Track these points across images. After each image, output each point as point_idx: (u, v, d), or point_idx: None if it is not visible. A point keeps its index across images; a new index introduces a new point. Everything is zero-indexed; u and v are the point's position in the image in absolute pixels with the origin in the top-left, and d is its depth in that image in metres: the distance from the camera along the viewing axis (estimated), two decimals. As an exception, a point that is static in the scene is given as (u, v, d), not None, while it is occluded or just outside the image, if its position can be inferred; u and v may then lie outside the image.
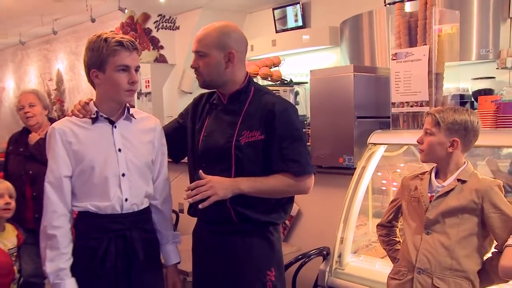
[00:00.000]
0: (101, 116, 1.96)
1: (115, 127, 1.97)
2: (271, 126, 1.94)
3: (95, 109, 1.96)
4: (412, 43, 2.87)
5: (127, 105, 2.02)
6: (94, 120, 1.96)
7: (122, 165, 1.94)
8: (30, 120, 3.14)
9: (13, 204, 2.65)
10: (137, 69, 1.95)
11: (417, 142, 2.02)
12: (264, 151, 1.96)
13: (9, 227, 2.67)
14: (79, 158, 1.91)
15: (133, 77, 1.92)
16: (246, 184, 1.93)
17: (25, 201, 3.06)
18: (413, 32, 2.86)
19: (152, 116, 2.13)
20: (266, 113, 1.95)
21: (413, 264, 1.94)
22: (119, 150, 1.95)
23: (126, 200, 1.94)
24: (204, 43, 1.97)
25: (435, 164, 2.03)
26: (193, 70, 2.04)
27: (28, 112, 3.13)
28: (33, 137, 3.11)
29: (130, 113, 2.02)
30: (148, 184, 2.04)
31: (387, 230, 2.19)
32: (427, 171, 2.06)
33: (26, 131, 3.23)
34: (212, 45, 1.96)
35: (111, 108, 1.97)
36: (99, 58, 1.90)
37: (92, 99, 2.01)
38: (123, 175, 1.94)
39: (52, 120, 3.27)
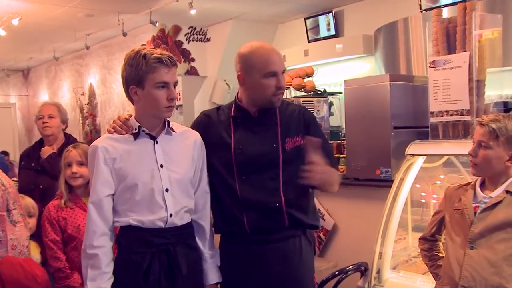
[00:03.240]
0: (143, 131, 1.98)
1: (157, 142, 1.99)
2: (308, 130, 2.10)
3: (137, 124, 1.99)
4: (450, 50, 2.82)
5: (167, 119, 2.04)
6: (136, 136, 1.98)
7: (165, 181, 1.96)
8: (46, 130, 3.19)
9: (32, 222, 2.67)
10: (175, 84, 1.97)
11: (469, 154, 1.93)
12: (306, 155, 2.02)
13: (33, 244, 2.68)
14: (122, 175, 1.94)
15: (172, 94, 1.94)
16: (332, 180, 2.09)
17: None
18: (452, 39, 2.81)
19: (191, 129, 2.15)
20: (302, 121, 2.12)
21: (456, 282, 1.88)
22: (161, 166, 1.97)
23: (171, 215, 1.95)
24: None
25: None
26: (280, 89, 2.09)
27: (46, 122, 3.18)
28: (46, 151, 3.13)
29: (170, 126, 2.04)
30: (191, 199, 2.05)
31: (429, 244, 2.13)
32: (471, 182, 1.99)
33: (38, 146, 3.25)
34: None
35: (151, 123, 2.00)
36: (138, 75, 1.91)
37: (131, 115, 2.04)
38: (167, 190, 1.95)
39: (66, 135, 3.31)
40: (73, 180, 2.59)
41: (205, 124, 2.18)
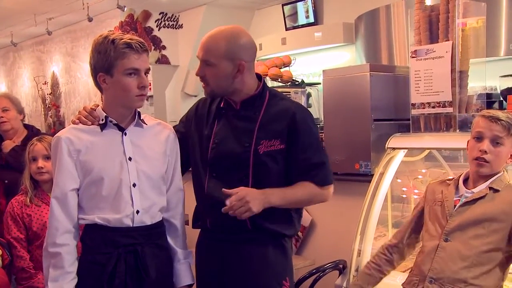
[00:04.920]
0: (111, 122, 1.97)
1: (125, 134, 1.98)
2: (293, 136, 1.98)
3: (104, 114, 1.97)
4: (433, 39, 2.86)
5: (138, 110, 2.02)
6: (103, 127, 1.97)
7: (133, 175, 1.94)
8: (4, 125, 3.17)
9: None
10: (147, 72, 1.95)
11: (481, 150, 1.88)
12: (285, 161, 2.00)
13: None
14: (87, 169, 1.92)
15: (143, 81, 1.93)
16: (276, 197, 1.94)
17: None
18: (435, 27, 2.85)
19: (164, 122, 2.14)
20: (287, 122, 1.99)
21: (425, 274, 1.93)
22: (130, 159, 1.95)
23: (137, 212, 1.93)
24: (212, 53, 1.98)
25: (464, 172, 2.00)
26: (199, 78, 2.05)
27: (2, 117, 3.17)
28: (8, 144, 3.13)
29: (141, 118, 2.03)
30: (162, 196, 2.03)
31: (395, 248, 2.17)
32: (454, 177, 2.04)
33: None
34: (221, 56, 1.97)
35: (120, 114, 1.98)
36: (106, 61, 1.90)
37: (98, 105, 2.02)
38: (134, 185, 1.94)
39: (28, 127, 3.28)
40: (39, 175, 2.56)
41: (198, 108, 2.19)
